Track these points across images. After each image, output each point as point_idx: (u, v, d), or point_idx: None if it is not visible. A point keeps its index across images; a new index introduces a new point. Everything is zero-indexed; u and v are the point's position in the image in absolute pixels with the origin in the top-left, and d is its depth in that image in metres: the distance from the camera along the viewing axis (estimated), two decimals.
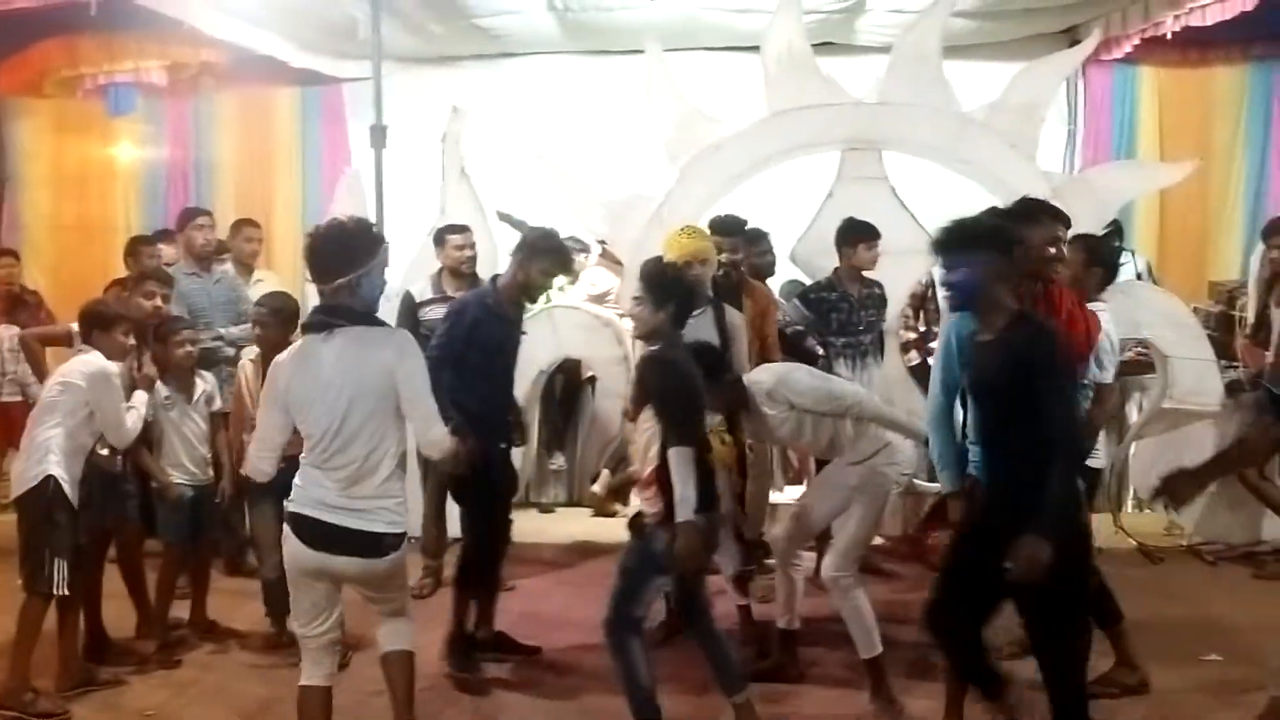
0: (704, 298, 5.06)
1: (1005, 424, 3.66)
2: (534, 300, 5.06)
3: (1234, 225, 8.85)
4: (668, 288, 4.24)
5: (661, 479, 4.08)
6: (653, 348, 4.24)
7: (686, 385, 4.09)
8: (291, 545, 3.63)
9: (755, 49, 6.66)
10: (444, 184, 6.64)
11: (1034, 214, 4.36)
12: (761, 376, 4.63)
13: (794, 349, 5.82)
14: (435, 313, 5.75)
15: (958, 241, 3.71)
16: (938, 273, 6.81)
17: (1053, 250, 4.33)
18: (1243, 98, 9.11)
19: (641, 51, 6.65)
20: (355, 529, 3.57)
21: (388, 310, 5.95)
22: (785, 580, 4.85)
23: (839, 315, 6.01)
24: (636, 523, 4.30)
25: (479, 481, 4.75)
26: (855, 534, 4.59)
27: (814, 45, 6.76)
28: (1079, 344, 4.28)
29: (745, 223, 5.84)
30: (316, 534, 3.57)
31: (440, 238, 6.13)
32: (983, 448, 3.86)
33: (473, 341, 4.84)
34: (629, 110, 7.34)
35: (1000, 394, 3.67)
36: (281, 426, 3.70)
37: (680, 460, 3.94)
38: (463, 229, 6.15)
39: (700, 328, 4.66)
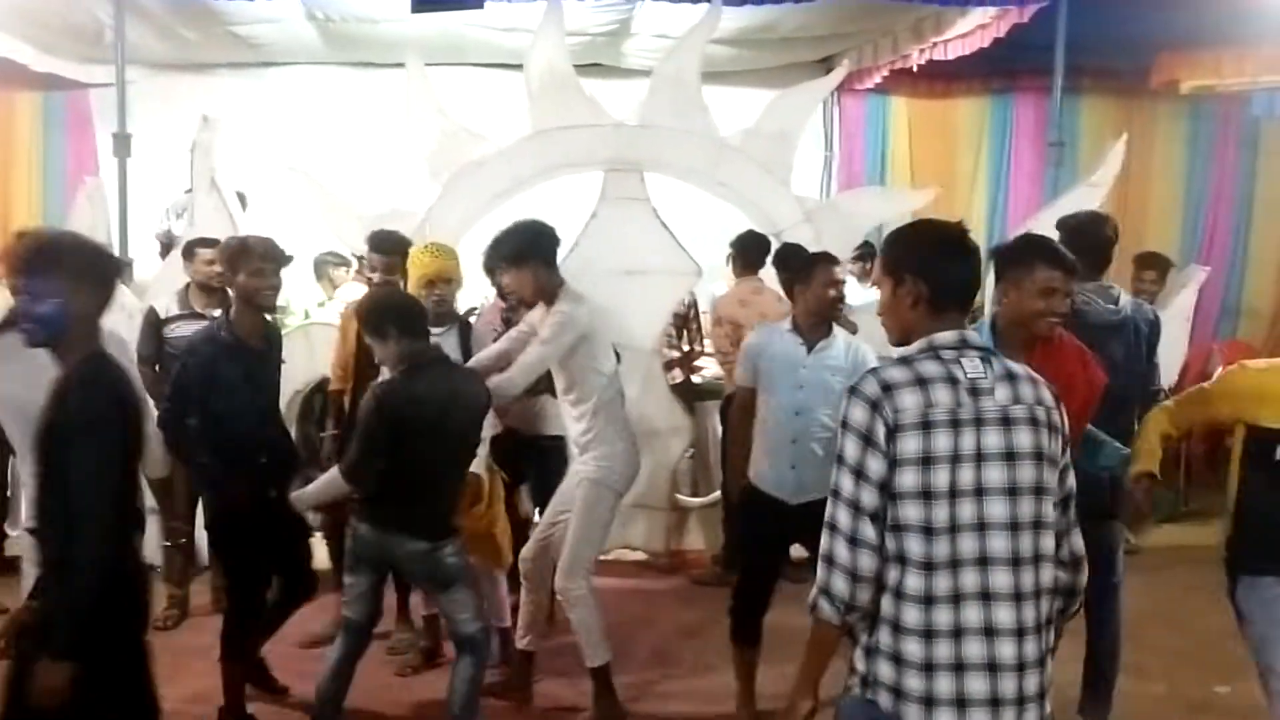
0: (448, 315, 5.04)
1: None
2: (268, 309, 4.57)
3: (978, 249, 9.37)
4: (379, 318, 4.16)
5: None
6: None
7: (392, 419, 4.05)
8: None
9: (520, 67, 6.66)
10: (194, 196, 6.37)
11: (1024, 256, 3.53)
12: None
13: None
14: (181, 330, 5.50)
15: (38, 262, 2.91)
16: (705, 291, 7.11)
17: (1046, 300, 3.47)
18: (984, 128, 9.70)
19: (403, 65, 6.55)
20: None
21: (131, 327, 5.70)
22: (530, 602, 4.88)
23: None
24: None
25: (239, 536, 4.42)
26: (571, 545, 4.63)
27: (582, 66, 6.81)
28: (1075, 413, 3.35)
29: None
30: None
31: (189, 251, 5.85)
32: None
33: (212, 385, 4.33)
34: (391, 124, 7.23)
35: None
36: None
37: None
38: (213, 243, 5.88)
39: (445, 347, 4.59)
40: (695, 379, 7.10)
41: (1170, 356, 6.88)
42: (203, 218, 6.22)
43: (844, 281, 4.75)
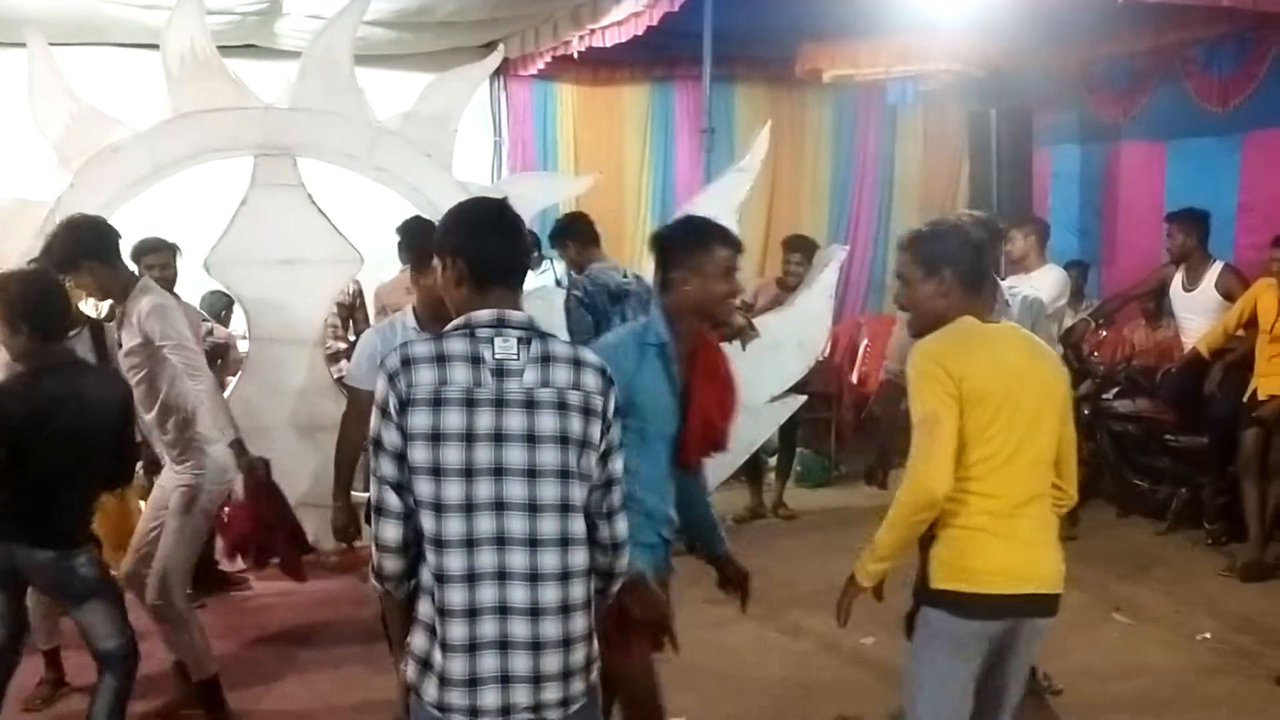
0: (80, 317, 4.74)
1: None
2: None
3: (641, 233, 9.62)
4: (14, 309, 3.81)
5: None
6: (18, 371, 3.84)
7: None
8: None
9: (158, 46, 6.28)
10: None
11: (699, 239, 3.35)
12: None
13: None
14: None
15: None
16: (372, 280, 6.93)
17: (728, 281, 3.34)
18: (647, 114, 9.96)
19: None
20: None
21: None
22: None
23: None
24: None
25: None
26: (164, 555, 4.43)
27: (234, 47, 6.52)
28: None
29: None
30: None
31: None
32: None
33: None
34: (12, 108, 6.65)
35: None
36: None
37: None
38: None
39: (79, 351, 4.28)
40: None
41: (817, 330, 7.33)
42: None
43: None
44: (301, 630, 5.60)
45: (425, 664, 2.39)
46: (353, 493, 6.56)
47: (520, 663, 2.36)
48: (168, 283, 5.70)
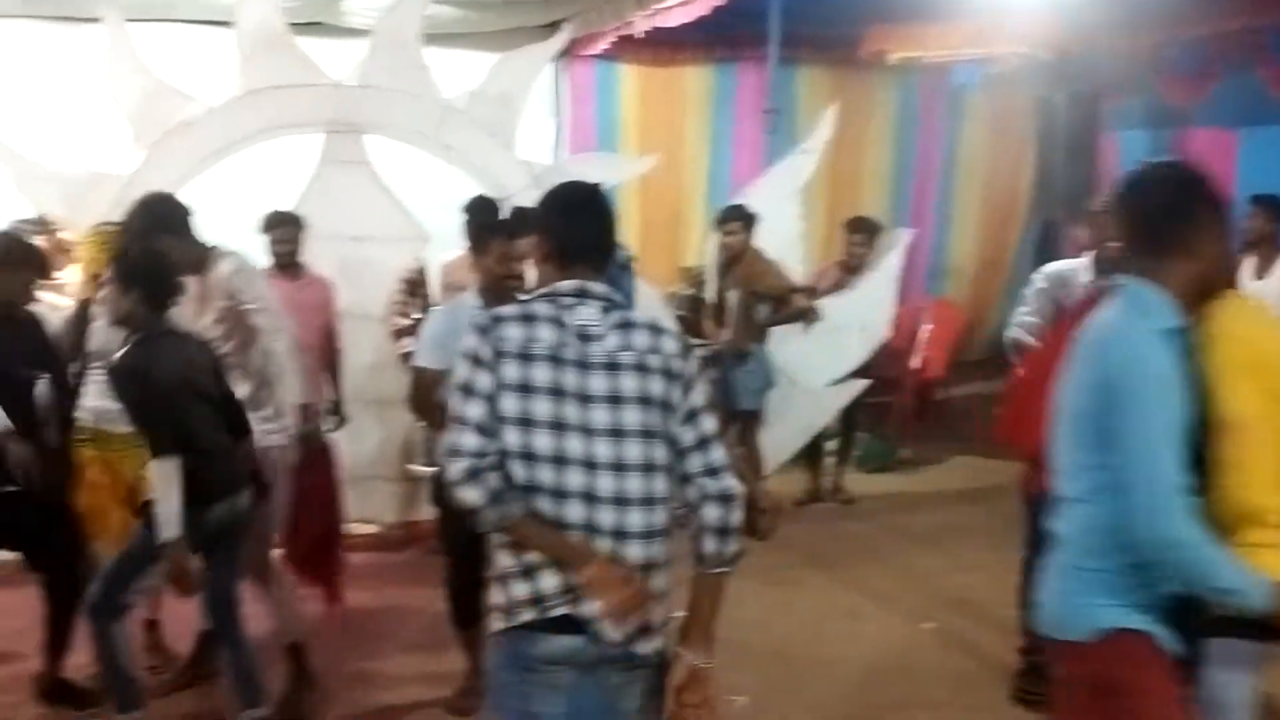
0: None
1: None
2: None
3: (700, 214, 9.61)
4: (136, 269, 3.92)
5: None
6: (125, 348, 3.90)
7: (159, 390, 3.80)
8: None
9: (231, 24, 6.37)
10: None
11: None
12: None
13: None
14: None
15: None
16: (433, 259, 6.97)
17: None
18: (708, 96, 9.92)
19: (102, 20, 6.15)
20: None
21: None
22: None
23: None
24: (145, 508, 4.00)
25: None
26: None
27: (301, 25, 6.58)
28: None
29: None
30: None
31: None
32: None
33: None
34: (90, 84, 6.77)
35: None
36: None
37: (159, 472, 3.72)
38: None
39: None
40: None
41: (880, 314, 7.31)
42: None
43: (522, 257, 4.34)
44: (366, 605, 5.65)
45: (509, 610, 2.46)
46: (411, 466, 6.71)
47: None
48: (289, 256, 5.84)
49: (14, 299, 4.34)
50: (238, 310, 4.47)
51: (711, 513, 2.49)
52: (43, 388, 4.29)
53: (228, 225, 5.51)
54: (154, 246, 4.13)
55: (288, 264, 5.83)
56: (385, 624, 5.46)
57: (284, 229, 5.83)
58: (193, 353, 4.02)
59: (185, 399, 3.87)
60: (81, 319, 4.58)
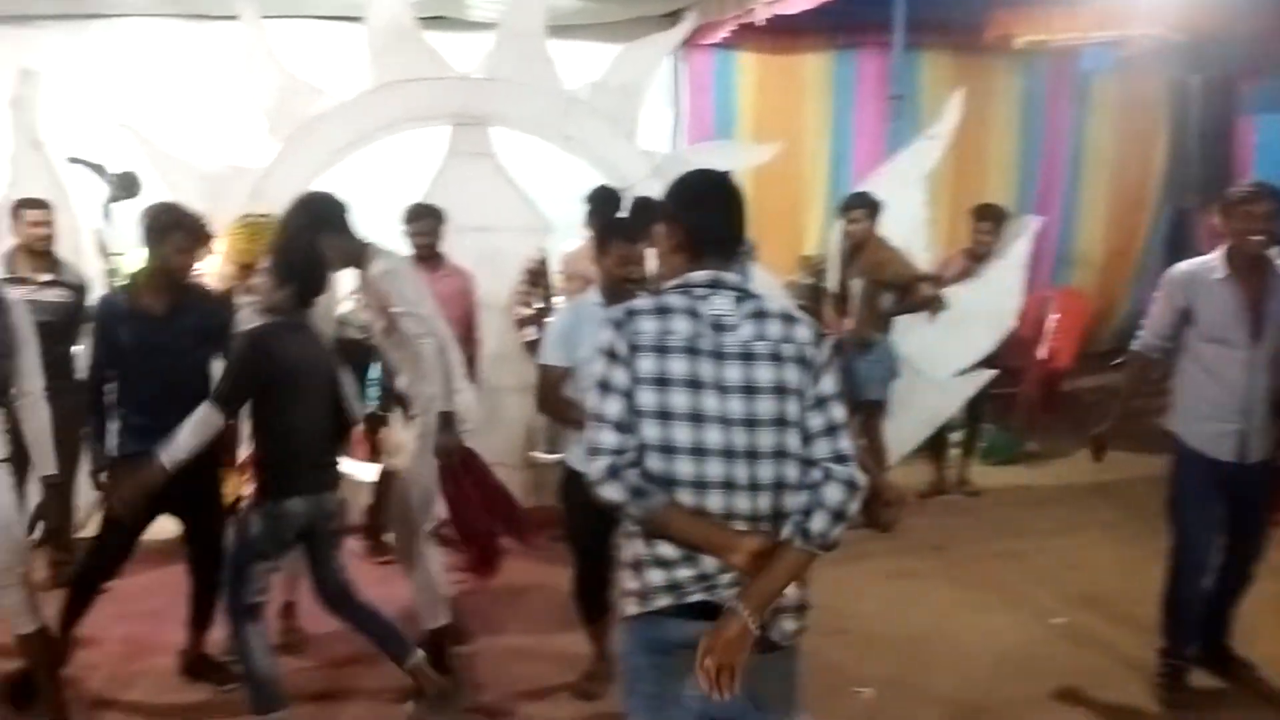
0: None
1: None
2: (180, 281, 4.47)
3: (820, 202, 9.53)
4: (294, 264, 4.03)
5: (257, 462, 3.97)
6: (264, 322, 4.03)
7: (253, 359, 3.91)
8: None
9: (359, 19, 6.51)
10: (15, 154, 6.05)
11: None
12: None
13: None
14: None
15: None
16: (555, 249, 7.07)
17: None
18: (829, 83, 9.83)
19: (237, 18, 6.33)
20: None
21: None
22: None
23: None
24: (235, 508, 4.12)
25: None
26: (401, 496, 4.63)
27: (425, 19, 6.68)
28: None
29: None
30: None
31: (15, 212, 5.58)
32: None
33: (114, 354, 4.34)
34: (227, 79, 6.99)
35: None
36: None
37: (200, 415, 3.82)
38: (41, 204, 5.62)
39: None
40: None
41: (1008, 303, 7.17)
42: (24, 177, 5.92)
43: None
44: (490, 589, 5.71)
45: (644, 596, 2.52)
46: (534, 454, 6.79)
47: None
48: (429, 249, 5.94)
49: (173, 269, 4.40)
50: (388, 312, 4.57)
51: (833, 494, 2.46)
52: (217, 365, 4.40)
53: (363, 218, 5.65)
54: (314, 244, 4.22)
55: (428, 255, 5.91)
56: (509, 604, 5.51)
57: (424, 221, 5.94)
58: (316, 354, 4.09)
59: (288, 391, 3.93)
60: (227, 306, 4.72)
